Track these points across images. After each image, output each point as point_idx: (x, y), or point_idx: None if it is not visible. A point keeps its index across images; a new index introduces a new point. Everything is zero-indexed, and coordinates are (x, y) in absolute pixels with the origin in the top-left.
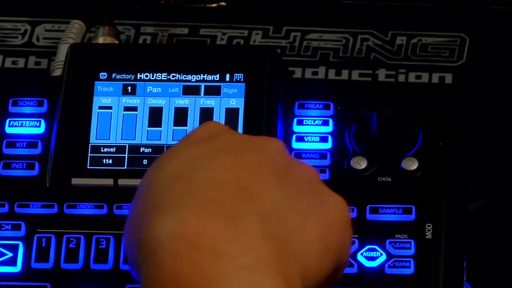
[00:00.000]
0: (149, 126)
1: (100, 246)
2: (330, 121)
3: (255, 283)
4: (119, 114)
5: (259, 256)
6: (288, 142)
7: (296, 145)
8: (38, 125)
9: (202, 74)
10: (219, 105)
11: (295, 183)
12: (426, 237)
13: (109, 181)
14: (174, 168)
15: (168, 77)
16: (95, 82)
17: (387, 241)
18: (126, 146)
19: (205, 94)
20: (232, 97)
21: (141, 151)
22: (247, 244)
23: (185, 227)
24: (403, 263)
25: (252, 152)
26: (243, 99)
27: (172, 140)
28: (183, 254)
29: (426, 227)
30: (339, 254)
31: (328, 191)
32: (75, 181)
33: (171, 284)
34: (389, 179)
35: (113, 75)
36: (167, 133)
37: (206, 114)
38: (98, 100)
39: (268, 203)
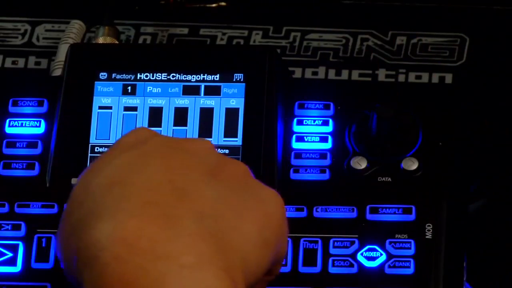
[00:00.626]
0: (149, 126)
1: None
2: (330, 121)
3: (199, 281)
4: (119, 114)
5: (200, 255)
6: (288, 142)
7: (296, 145)
8: (38, 125)
9: (202, 74)
10: (219, 105)
11: (228, 180)
12: (426, 237)
13: None
14: (108, 175)
15: (168, 77)
16: (95, 82)
17: (387, 241)
18: None
19: (205, 94)
20: (232, 97)
21: None
22: (186, 244)
23: (124, 230)
24: (403, 263)
25: (182, 153)
26: (243, 99)
27: None
28: (125, 257)
29: (426, 227)
30: (277, 247)
31: (262, 185)
32: (75, 181)
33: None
34: (389, 179)
35: (113, 75)
36: (167, 133)
37: (206, 114)
38: (98, 100)
39: (202, 201)
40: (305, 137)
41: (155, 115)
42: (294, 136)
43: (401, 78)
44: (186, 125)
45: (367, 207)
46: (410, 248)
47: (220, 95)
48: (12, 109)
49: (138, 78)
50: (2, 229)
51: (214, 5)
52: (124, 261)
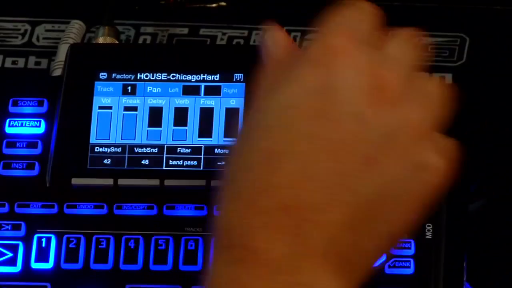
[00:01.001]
0: (149, 126)
1: (100, 246)
2: None
3: None
4: (119, 114)
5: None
6: None
7: None
8: (38, 125)
9: (202, 74)
10: (219, 105)
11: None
12: (426, 237)
13: (109, 181)
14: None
15: (168, 77)
16: (95, 82)
17: None
18: (126, 146)
19: (205, 94)
20: (232, 97)
21: (141, 151)
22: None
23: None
24: (403, 263)
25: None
26: (243, 99)
27: (172, 140)
28: None
29: (426, 227)
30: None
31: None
32: (75, 181)
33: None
34: None
35: (113, 75)
36: (167, 133)
37: (206, 114)
38: (98, 100)
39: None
40: None
41: (155, 115)
42: None
43: None
44: (186, 125)
45: None
46: (410, 248)
47: (220, 95)
48: (12, 109)
49: (138, 78)
50: (2, 229)
51: (214, 5)
52: None
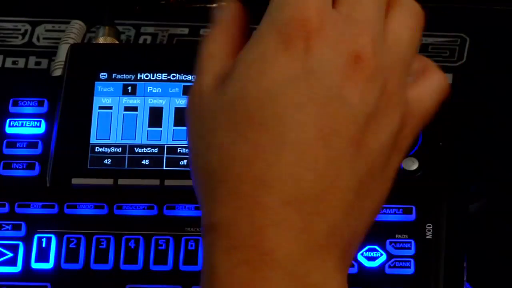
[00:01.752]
0: (149, 126)
1: (100, 246)
2: None
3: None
4: (119, 114)
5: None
6: None
7: None
8: (38, 125)
9: None
10: None
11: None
12: (426, 237)
13: (109, 181)
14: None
15: (168, 77)
16: (95, 82)
17: (387, 241)
18: (126, 146)
19: None
20: None
21: (141, 151)
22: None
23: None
24: (403, 263)
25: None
26: None
27: (173, 140)
28: None
29: (426, 227)
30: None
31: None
32: (75, 181)
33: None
34: None
35: (113, 75)
36: (167, 133)
37: None
38: (98, 100)
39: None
40: None
41: (156, 115)
42: None
43: None
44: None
45: None
46: (410, 248)
47: None
48: (12, 109)
49: (138, 78)
50: (2, 229)
51: (214, 5)
52: None
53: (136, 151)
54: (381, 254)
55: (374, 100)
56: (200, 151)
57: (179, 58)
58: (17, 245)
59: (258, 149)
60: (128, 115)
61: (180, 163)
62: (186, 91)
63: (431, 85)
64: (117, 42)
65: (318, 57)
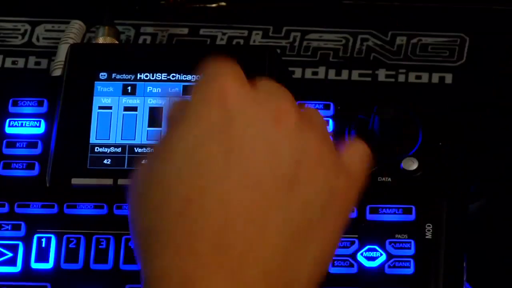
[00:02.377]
0: (149, 126)
1: (100, 246)
2: (330, 121)
3: None
4: (119, 114)
5: None
6: None
7: None
8: (38, 125)
9: None
10: None
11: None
12: (426, 237)
13: (109, 181)
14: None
15: (168, 77)
16: (95, 82)
17: (387, 241)
18: (126, 146)
19: None
20: None
21: (141, 151)
22: None
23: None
24: (403, 263)
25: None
26: None
27: None
28: None
29: (426, 227)
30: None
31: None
32: (75, 181)
33: None
34: (389, 179)
35: (113, 75)
36: None
37: None
38: (98, 100)
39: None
40: None
41: (155, 115)
42: None
43: (401, 78)
44: None
45: (367, 207)
46: (410, 248)
47: None
48: (12, 109)
49: (138, 78)
50: (2, 229)
51: (214, 5)
52: None
53: (136, 151)
54: (381, 254)
55: (297, 144)
56: (135, 216)
57: (178, 58)
58: (17, 245)
59: (182, 202)
60: (128, 115)
61: None
62: (186, 91)
63: (357, 148)
64: (116, 42)
65: (237, 108)
